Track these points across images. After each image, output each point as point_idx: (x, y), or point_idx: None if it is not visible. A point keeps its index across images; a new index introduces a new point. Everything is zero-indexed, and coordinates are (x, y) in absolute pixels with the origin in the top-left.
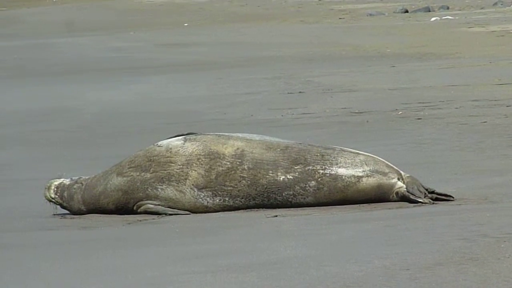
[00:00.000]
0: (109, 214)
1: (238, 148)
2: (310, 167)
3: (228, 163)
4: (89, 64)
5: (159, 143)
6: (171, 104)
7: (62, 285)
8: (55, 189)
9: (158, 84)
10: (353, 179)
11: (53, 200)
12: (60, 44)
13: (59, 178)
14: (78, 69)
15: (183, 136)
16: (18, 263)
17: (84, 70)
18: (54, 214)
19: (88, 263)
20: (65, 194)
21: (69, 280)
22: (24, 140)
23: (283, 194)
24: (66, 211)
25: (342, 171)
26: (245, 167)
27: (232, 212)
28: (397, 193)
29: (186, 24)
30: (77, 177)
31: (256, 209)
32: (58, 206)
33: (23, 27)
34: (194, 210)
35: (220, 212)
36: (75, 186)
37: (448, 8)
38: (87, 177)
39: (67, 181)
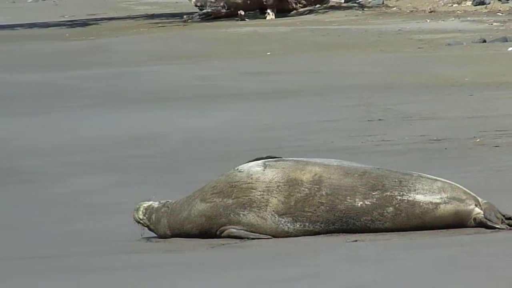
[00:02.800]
0: (193, 238)
1: (316, 174)
2: (388, 193)
3: (307, 189)
4: (176, 91)
5: (240, 168)
6: (253, 131)
7: None
8: (144, 211)
9: (241, 111)
10: (430, 205)
11: (141, 221)
12: (148, 72)
13: (149, 201)
14: (165, 96)
15: (263, 161)
16: (104, 285)
17: (171, 98)
18: (142, 237)
19: (172, 286)
20: (153, 216)
21: None
22: (112, 165)
23: (361, 220)
24: (153, 234)
25: (419, 197)
26: (323, 193)
27: (313, 236)
28: (474, 219)
29: (269, 53)
30: (165, 201)
31: (336, 234)
32: (146, 228)
33: (111, 55)
34: (276, 235)
35: (301, 237)
36: (162, 210)
37: None
38: (173, 202)
39: (156, 204)
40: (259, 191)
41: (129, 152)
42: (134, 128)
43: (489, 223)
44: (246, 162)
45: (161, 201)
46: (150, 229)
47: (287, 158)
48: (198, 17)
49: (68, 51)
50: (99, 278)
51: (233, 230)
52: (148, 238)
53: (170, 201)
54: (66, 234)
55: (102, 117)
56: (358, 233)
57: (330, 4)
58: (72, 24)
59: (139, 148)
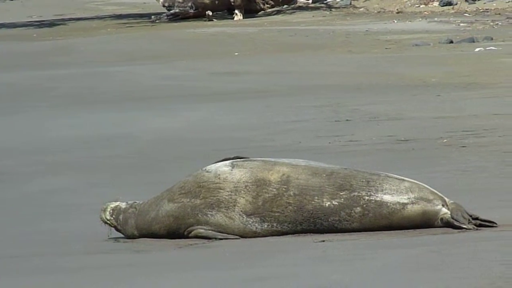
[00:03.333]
0: (161, 238)
1: (283, 174)
2: (356, 193)
3: (274, 189)
4: (144, 92)
5: (207, 168)
6: (221, 131)
7: None
8: (111, 212)
9: (209, 112)
10: (398, 205)
11: (108, 222)
12: (115, 72)
13: (116, 201)
14: (133, 96)
15: (231, 161)
16: (71, 286)
17: (139, 98)
18: (109, 238)
19: (138, 285)
20: (121, 217)
21: None
22: (80, 166)
23: (329, 220)
24: (120, 234)
25: (387, 197)
26: (291, 193)
27: (280, 237)
28: (441, 219)
29: (236, 54)
30: (132, 202)
31: (304, 234)
32: (113, 229)
33: (79, 55)
34: (244, 235)
35: (268, 237)
36: (130, 211)
37: (492, 39)
38: (141, 202)
39: (123, 205)
40: (227, 191)
41: (98, 152)
42: (102, 128)
43: (456, 223)
44: (214, 162)
45: (129, 202)
46: (117, 230)
47: (255, 158)
48: (166, 17)
49: (36, 52)
50: (65, 279)
51: (201, 230)
52: (116, 239)
53: (137, 201)
54: (32, 234)
55: (71, 117)
56: (326, 233)
57: (298, 4)
58: (40, 24)
59: (107, 148)
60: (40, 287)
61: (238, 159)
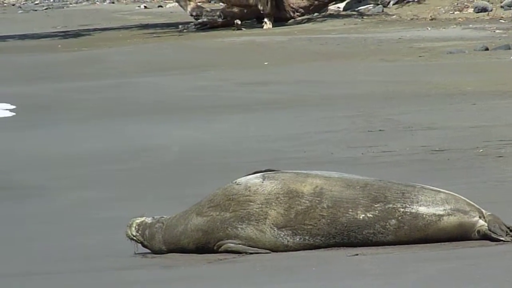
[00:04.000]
0: (189, 253)
1: (317, 186)
2: (391, 205)
3: (307, 201)
4: (172, 103)
5: (237, 180)
6: (251, 143)
7: None
8: (137, 227)
9: (239, 123)
10: (434, 217)
11: (134, 238)
12: (143, 83)
13: (141, 216)
14: (160, 108)
15: (261, 174)
16: None
17: (167, 109)
18: (135, 253)
19: None
20: (147, 232)
21: None
22: (107, 179)
23: (363, 233)
24: (147, 250)
25: (423, 209)
26: (324, 205)
27: (313, 250)
28: (478, 231)
29: (266, 63)
30: (159, 216)
31: (336, 248)
32: (139, 245)
33: (106, 66)
34: (275, 249)
35: (300, 251)
36: (156, 226)
37: None
38: (168, 217)
39: (149, 220)
40: (258, 204)
41: (126, 165)
42: (130, 141)
43: (494, 236)
44: (244, 175)
45: (155, 217)
46: (144, 246)
47: (286, 171)
48: (193, 27)
49: (61, 63)
50: None
51: (230, 244)
52: (143, 254)
53: (164, 216)
54: (61, 250)
55: (98, 129)
56: (360, 246)
57: (329, 12)
58: (65, 35)
59: (136, 161)
60: None
61: (270, 171)
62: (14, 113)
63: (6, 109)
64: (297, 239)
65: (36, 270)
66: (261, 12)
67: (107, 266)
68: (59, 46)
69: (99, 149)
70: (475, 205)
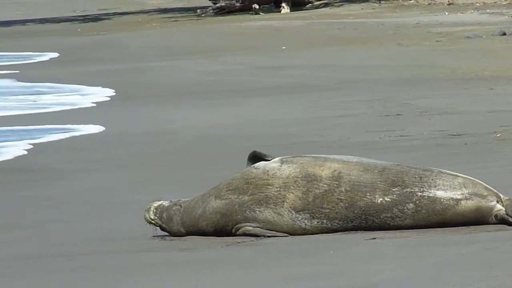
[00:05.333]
0: (207, 236)
1: (335, 170)
2: (408, 189)
3: (325, 185)
4: (189, 87)
5: (256, 165)
6: (269, 127)
7: None
8: (155, 211)
9: (256, 107)
10: (451, 201)
11: (152, 221)
12: (161, 67)
13: (159, 200)
14: (178, 92)
15: (280, 158)
16: (117, 284)
17: (184, 93)
18: (154, 236)
19: (187, 284)
20: (164, 215)
21: None
22: (125, 162)
23: (381, 217)
24: (165, 233)
25: (440, 193)
26: (343, 189)
27: (330, 234)
28: (496, 215)
29: (284, 47)
30: (176, 199)
31: (354, 231)
32: (158, 228)
33: (123, 51)
34: (292, 232)
35: (318, 234)
36: (174, 208)
37: None
38: (186, 200)
39: (166, 203)
40: (276, 187)
41: (142, 149)
42: (147, 125)
43: (511, 220)
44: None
45: (172, 200)
46: (162, 229)
47: (304, 155)
48: (211, 11)
49: (81, 46)
50: (112, 276)
51: (248, 227)
52: (162, 237)
53: (182, 199)
54: (81, 232)
55: (114, 114)
56: (377, 230)
57: None
58: (84, 19)
59: (153, 144)
60: (88, 285)
61: (288, 156)
62: None
63: None
64: (315, 223)
65: (55, 252)
66: None
67: (125, 248)
68: (79, 30)
69: (115, 133)
70: (493, 189)
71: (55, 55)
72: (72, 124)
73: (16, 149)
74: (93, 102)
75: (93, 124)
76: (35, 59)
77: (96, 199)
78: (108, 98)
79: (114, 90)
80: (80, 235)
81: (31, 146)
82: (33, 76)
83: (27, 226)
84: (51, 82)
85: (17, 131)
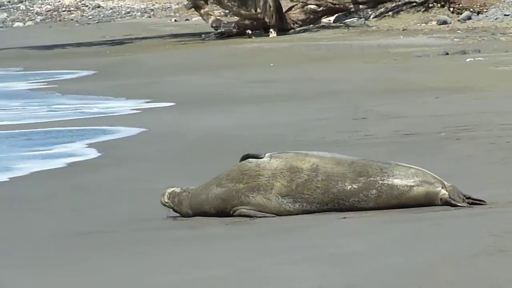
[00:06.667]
0: (210, 217)
1: (313, 164)
2: (372, 179)
3: (306, 175)
4: (196, 96)
5: (250, 159)
6: (260, 128)
7: (175, 268)
8: (168, 195)
9: (250, 112)
10: (406, 188)
11: (166, 204)
12: (173, 81)
13: (172, 187)
14: (187, 100)
15: (270, 154)
16: (139, 253)
17: (192, 101)
18: (168, 217)
19: (195, 254)
20: (176, 200)
21: (180, 265)
22: (147, 157)
23: (350, 200)
24: (177, 214)
25: (397, 181)
26: (319, 179)
27: (309, 215)
28: (441, 199)
29: (271, 64)
30: (185, 187)
31: (328, 213)
32: (170, 210)
33: (143, 68)
34: (279, 213)
35: (299, 215)
36: (183, 194)
37: (479, 51)
38: (193, 187)
39: (177, 190)
40: (266, 177)
41: (158, 146)
42: (164, 126)
43: (453, 202)
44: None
45: (183, 187)
46: (174, 210)
47: (289, 151)
48: (213, 36)
49: (110, 65)
50: (138, 249)
51: (243, 210)
52: (174, 218)
53: (190, 187)
54: (108, 215)
55: (140, 116)
56: (347, 211)
57: (321, 24)
58: (112, 43)
59: (165, 143)
60: (117, 257)
61: (275, 152)
62: None
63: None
64: (297, 206)
65: (88, 230)
66: (267, 24)
67: (144, 227)
68: (108, 52)
69: (141, 133)
70: (438, 178)
71: (89, 72)
72: (110, 126)
73: (71, 149)
74: (123, 109)
75: (124, 126)
76: (73, 75)
77: (122, 187)
78: (135, 106)
79: (136, 99)
80: (108, 217)
81: (86, 146)
82: (72, 89)
83: (67, 210)
84: (87, 94)
85: (71, 131)
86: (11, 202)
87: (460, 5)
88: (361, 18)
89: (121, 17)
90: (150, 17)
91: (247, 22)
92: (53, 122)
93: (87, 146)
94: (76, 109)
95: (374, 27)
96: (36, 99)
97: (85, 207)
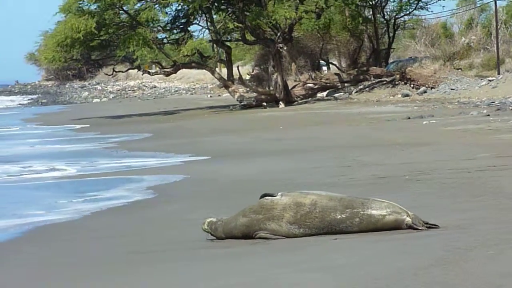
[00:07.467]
0: (238, 239)
1: (313, 200)
2: (355, 210)
3: (307, 208)
4: (226, 151)
5: (266, 197)
6: (274, 174)
7: (212, 277)
8: (208, 224)
9: (265, 162)
10: (380, 216)
11: (206, 230)
12: (210, 140)
13: (210, 217)
14: (220, 154)
15: (281, 193)
16: (187, 269)
17: (224, 155)
18: (207, 239)
19: (227, 267)
20: (213, 227)
21: (215, 275)
22: (190, 196)
23: (340, 226)
24: (213, 237)
25: (374, 212)
26: (317, 211)
27: (310, 237)
28: (406, 224)
29: (281, 127)
30: (220, 217)
31: (324, 235)
32: (209, 234)
33: (188, 131)
34: (288, 236)
35: (302, 237)
36: (218, 223)
37: (433, 116)
38: (225, 217)
39: (214, 219)
40: (278, 210)
41: (201, 187)
42: (203, 173)
43: (415, 226)
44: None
45: (218, 217)
46: (211, 235)
47: (295, 191)
48: (239, 107)
49: (163, 129)
50: (184, 263)
51: (262, 234)
52: (212, 240)
53: (223, 217)
54: (160, 237)
55: (185, 167)
56: (338, 234)
57: (317, 97)
58: (165, 113)
59: (202, 186)
60: (172, 270)
61: (285, 192)
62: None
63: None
64: (301, 230)
65: (143, 250)
66: (278, 98)
67: (189, 247)
68: (161, 119)
69: (186, 179)
70: (404, 208)
71: (148, 135)
72: (163, 174)
73: (135, 191)
74: (172, 162)
75: (173, 174)
76: (136, 137)
77: (172, 218)
78: (181, 159)
79: (182, 154)
80: (159, 239)
81: (146, 188)
82: (135, 147)
83: (129, 235)
84: (147, 151)
85: (135, 179)
86: (92, 231)
87: (418, 82)
88: (346, 93)
89: (171, 94)
90: (192, 94)
91: (263, 97)
92: (121, 172)
93: (146, 189)
94: (137, 162)
95: (355, 99)
96: (107, 156)
97: (145, 232)
